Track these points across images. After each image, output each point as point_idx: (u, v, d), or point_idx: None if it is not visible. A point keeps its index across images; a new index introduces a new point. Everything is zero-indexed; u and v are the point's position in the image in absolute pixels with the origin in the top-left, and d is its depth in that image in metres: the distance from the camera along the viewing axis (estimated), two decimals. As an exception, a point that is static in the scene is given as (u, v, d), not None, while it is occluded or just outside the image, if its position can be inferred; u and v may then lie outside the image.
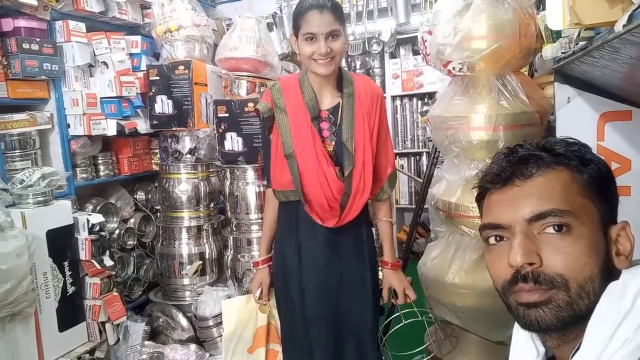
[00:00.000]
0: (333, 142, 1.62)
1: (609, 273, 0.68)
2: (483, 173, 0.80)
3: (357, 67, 4.24)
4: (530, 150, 0.74)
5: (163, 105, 2.43)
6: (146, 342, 2.32)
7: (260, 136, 2.07)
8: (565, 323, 0.68)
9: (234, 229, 2.40)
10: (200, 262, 2.49)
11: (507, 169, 0.74)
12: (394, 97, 4.17)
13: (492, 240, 0.75)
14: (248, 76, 2.37)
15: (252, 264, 1.94)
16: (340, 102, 1.62)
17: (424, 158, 4.15)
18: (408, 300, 1.72)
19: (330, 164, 1.58)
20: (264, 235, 1.80)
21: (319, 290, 1.66)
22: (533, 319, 0.69)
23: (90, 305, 2.12)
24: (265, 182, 1.93)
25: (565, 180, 0.70)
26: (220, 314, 2.23)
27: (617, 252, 0.70)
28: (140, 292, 2.64)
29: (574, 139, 0.76)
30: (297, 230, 1.68)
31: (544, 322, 0.68)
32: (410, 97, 4.15)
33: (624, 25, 0.66)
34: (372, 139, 1.62)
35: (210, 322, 2.31)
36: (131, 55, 2.50)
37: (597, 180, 0.72)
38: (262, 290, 1.80)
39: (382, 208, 1.77)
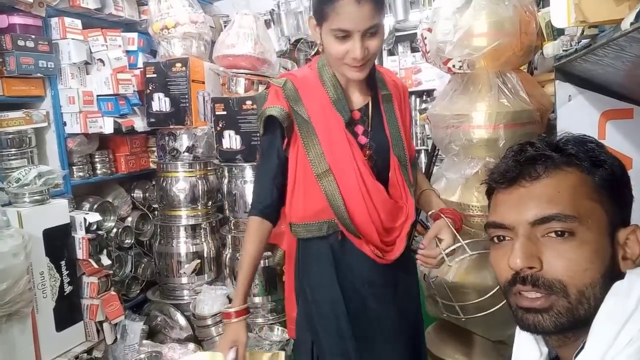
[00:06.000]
0: (372, 150, 1.31)
1: (613, 277, 0.67)
2: (491, 170, 0.79)
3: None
4: (540, 150, 0.72)
5: (160, 103, 2.41)
6: (144, 341, 2.30)
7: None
8: (563, 329, 0.67)
9: (232, 227, 2.39)
10: (199, 260, 2.48)
11: (513, 168, 0.72)
12: (392, 95, 4.15)
13: (496, 239, 0.75)
14: (246, 73, 2.35)
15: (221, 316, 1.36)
16: (370, 100, 1.34)
17: (422, 156, 4.13)
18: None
19: (375, 179, 1.28)
20: (243, 277, 1.33)
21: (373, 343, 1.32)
22: (531, 322, 0.69)
23: (87, 305, 2.11)
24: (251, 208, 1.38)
25: (574, 182, 0.69)
26: (219, 313, 2.22)
27: (624, 256, 0.69)
28: (138, 291, 2.63)
29: (590, 137, 0.74)
30: (335, 274, 1.29)
31: (541, 326, 0.68)
32: (409, 94, 4.13)
33: (632, 23, 0.65)
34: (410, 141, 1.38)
35: (209, 321, 2.29)
36: (128, 52, 2.48)
37: (609, 183, 0.69)
38: (237, 352, 1.27)
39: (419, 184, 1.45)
